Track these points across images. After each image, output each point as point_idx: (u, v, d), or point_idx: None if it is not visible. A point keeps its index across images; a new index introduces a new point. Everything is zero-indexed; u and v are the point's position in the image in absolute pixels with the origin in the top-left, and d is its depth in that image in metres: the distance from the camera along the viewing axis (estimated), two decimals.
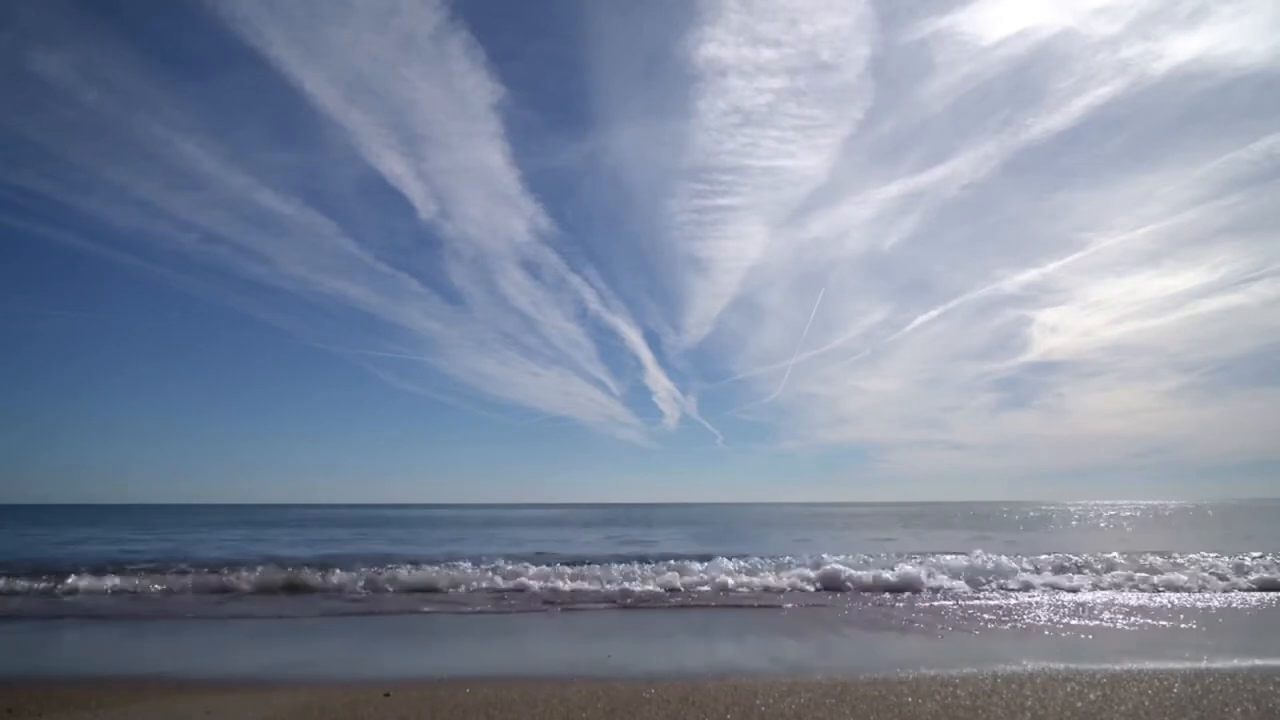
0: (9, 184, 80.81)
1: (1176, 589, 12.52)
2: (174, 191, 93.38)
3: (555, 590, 12.28)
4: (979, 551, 14.99)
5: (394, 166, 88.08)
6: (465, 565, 13.98)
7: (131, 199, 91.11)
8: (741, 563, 14.38)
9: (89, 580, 12.66)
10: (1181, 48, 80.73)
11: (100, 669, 7.10)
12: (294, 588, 12.53)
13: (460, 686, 6.02)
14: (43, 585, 12.43)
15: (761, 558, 15.07)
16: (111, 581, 12.67)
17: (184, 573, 13.63)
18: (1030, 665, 6.69)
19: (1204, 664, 6.77)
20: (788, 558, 14.99)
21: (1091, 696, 5.55)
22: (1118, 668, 6.56)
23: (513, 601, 11.58)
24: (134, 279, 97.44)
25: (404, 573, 13.20)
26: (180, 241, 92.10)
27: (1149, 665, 6.68)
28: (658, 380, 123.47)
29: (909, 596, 11.91)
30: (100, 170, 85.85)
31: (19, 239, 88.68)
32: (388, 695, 5.74)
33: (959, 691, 5.70)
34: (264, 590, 12.44)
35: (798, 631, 9.00)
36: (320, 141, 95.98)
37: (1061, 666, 6.62)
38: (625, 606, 11.15)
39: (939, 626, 9.06)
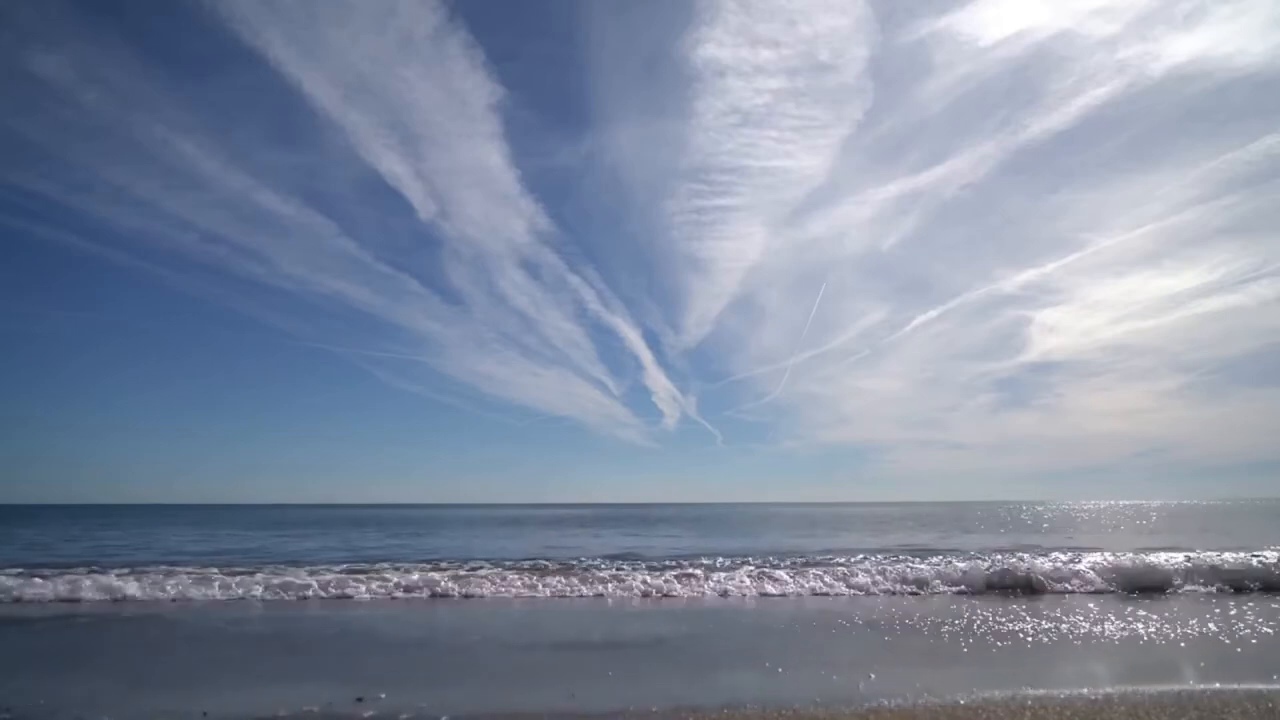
0: (9, 184, 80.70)
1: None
2: (173, 192, 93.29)
3: None
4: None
5: (393, 167, 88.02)
6: None
7: (131, 199, 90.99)
8: None
9: None
10: (1179, 48, 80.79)
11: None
12: None
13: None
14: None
15: None
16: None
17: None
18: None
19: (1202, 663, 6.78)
20: None
21: (1091, 696, 5.55)
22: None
23: None
24: (134, 279, 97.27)
25: None
26: (180, 241, 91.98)
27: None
28: (657, 380, 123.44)
29: None
30: (100, 170, 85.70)
31: (19, 239, 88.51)
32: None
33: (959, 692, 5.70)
34: None
35: None
36: (319, 142, 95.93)
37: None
38: None
39: None
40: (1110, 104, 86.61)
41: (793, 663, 7.11)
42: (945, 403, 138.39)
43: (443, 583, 12.57)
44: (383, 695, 5.81)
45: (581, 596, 12.02)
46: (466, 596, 11.98)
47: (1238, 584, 12.39)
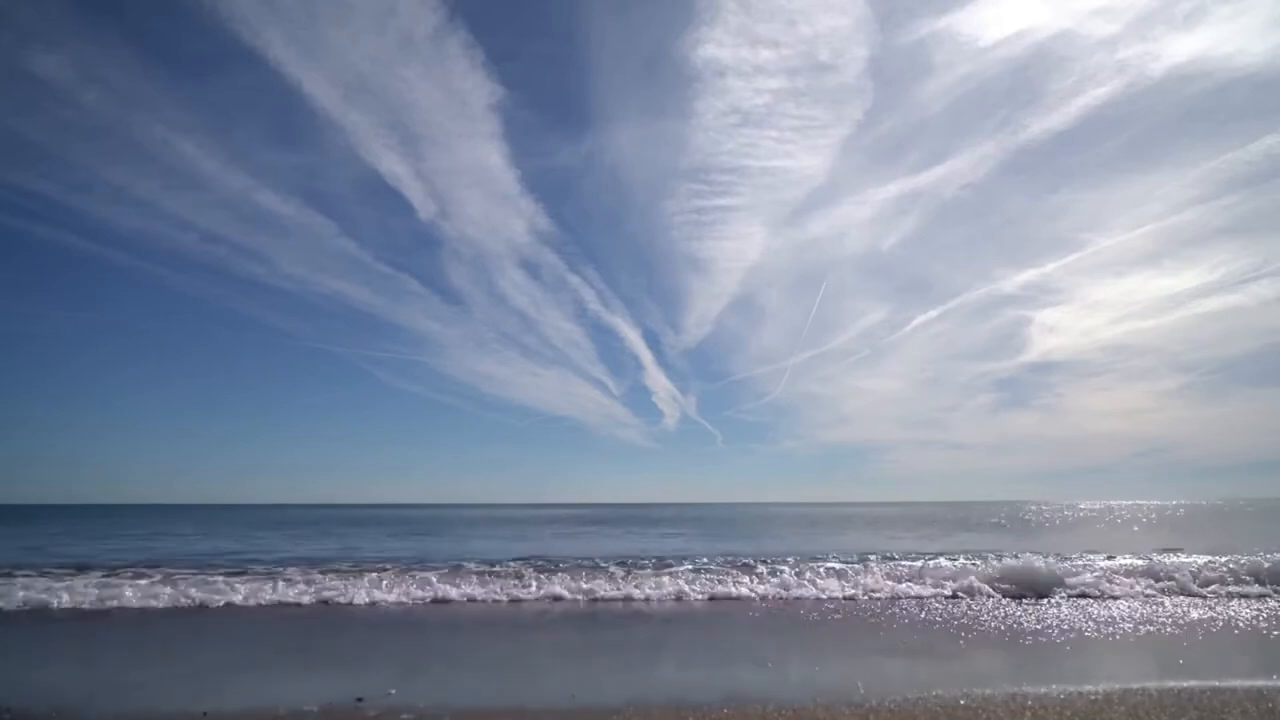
0: (9, 184, 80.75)
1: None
2: (173, 192, 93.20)
3: None
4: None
5: (393, 167, 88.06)
6: None
7: (131, 199, 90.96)
8: None
9: None
10: (1179, 48, 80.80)
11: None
12: None
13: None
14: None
15: None
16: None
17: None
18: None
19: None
20: None
21: (1092, 697, 5.56)
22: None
23: None
24: (134, 279, 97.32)
25: None
26: (180, 241, 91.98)
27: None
28: (657, 380, 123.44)
29: None
30: (100, 170, 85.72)
31: (19, 239, 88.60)
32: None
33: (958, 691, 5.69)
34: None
35: None
36: (319, 142, 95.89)
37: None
38: None
39: None
40: (1110, 104, 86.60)
41: (793, 662, 7.13)
42: (945, 403, 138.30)
43: (442, 583, 12.58)
44: (392, 691, 5.83)
45: (582, 597, 12.01)
46: (467, 598, 11.97)
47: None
